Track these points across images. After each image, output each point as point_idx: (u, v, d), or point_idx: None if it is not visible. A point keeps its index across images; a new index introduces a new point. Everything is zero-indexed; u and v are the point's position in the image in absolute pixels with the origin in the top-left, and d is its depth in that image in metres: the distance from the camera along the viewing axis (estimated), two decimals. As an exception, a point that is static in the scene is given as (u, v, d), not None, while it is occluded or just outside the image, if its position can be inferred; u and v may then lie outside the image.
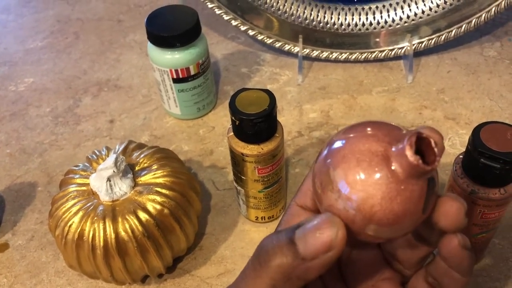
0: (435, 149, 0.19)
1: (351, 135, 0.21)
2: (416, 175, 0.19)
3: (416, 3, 0.57)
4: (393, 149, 0.20)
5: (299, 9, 0.58)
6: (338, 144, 0.21)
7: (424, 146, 0.20)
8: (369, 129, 0.21)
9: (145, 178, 0.40)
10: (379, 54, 0.59)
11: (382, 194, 0.20)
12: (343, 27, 0.59)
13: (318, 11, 0.59)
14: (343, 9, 0.59)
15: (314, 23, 0.59)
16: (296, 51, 0.59)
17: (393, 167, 0.20)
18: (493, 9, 0.55)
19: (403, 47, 0.59)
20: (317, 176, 0.22)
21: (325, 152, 0.22)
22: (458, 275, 0.23)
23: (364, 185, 0.20)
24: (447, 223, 0.21)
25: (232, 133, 0.41)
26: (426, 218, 0.21)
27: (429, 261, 0.24)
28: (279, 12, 0.58)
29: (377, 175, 0.20)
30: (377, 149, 0.20)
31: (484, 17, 0.56)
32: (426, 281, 0.24)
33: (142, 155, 0.42)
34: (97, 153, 0.42)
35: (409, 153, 0.19)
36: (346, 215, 0.20)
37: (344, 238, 0.20)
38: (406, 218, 0.20)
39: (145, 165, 0.41)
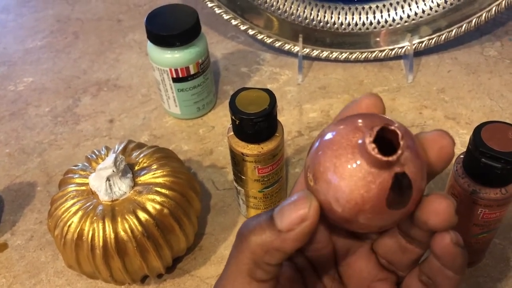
0: (401, 142, 0.19)
1: (336, 126, 0.22)
2: (376, 165, 0.20)
3: (416, 3, 0.57)
4: (360, 141, 0.20)
5: (299, 8, 0.58)
6: (324, 135, 0.22)
7: (395, 139, 0.20)
8: (359, 120, 0.21)
9: (145, 178, 0.40)
10: (379, 54, 0.59)
11: (344, 181, 0.20)
12: (343, 26, 0.59)
13: (318, 11, 0.58)
14: (343, 8, 0.59)
15: (314, 22, 0.59)
16: (296, 50, 0.59)
17: (355, 155, 0.20)
18: (494, 9, 0.55)
19: (403, 47, 0.59)
20: (305, 165, 0.23)
21: (316, 143, 0.22)
22: (451, 273, 0.22)
23: (329, 173, 0.20)
24: (437, 221, 0.21)
25: (232, 133, 0.40)
26: (401, 217, 0.21)
27: (423, 260, 0.24)
28: (279, 11, 0.58)
29: (341, 163, 0.20)
30: (349, 138, 0.20)
31: (485, 16, 0.56)
32: (420, 280, 0.24)
33: (141, 155, 0.41)
34: (97, 152, 0.42)
35: (367, 141, 0.19)
36: (323, 202, 0.21)
37: (316, 210, 0.21)
38: (367, 207, 0.20)
39: (145, 164, 0.41)
